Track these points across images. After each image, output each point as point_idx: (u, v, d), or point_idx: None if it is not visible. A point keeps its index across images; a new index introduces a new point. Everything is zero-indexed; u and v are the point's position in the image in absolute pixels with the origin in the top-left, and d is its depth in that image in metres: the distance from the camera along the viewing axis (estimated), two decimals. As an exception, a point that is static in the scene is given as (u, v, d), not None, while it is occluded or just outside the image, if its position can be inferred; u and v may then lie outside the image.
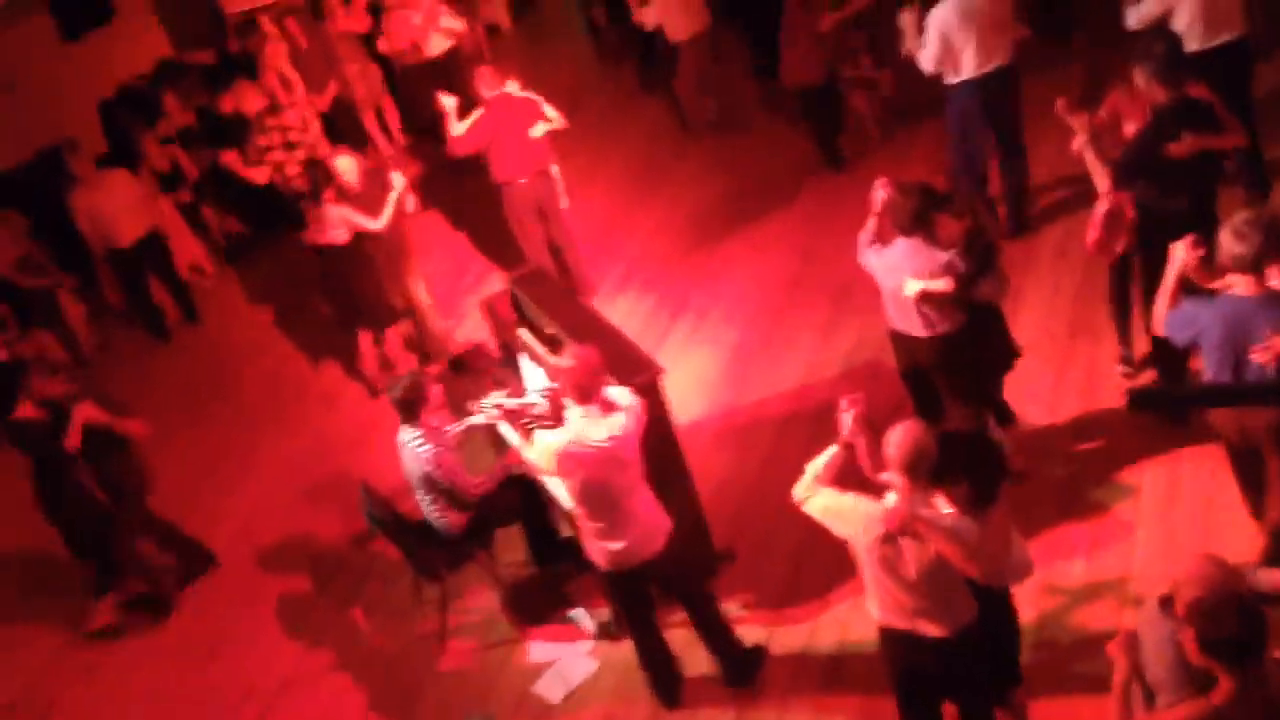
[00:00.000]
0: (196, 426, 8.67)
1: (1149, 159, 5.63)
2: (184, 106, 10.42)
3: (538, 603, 6.29)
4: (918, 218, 5.39)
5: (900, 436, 4.09)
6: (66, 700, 6.77)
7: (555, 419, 5.01)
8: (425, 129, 10.61)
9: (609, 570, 5.15)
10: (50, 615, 7.29)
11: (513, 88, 8.02)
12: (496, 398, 5.98)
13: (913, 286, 5.45)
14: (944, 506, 4.12)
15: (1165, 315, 4.85)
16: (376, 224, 7.68)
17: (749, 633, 5.65)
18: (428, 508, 6.00)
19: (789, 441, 6.77)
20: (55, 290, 9.45)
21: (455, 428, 6.16)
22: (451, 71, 10.23)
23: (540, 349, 6.23)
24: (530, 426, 5.64)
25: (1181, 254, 4.78)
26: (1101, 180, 5.81)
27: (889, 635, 4.43)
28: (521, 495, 6.13)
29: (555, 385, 5.73)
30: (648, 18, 9.91)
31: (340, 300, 8.16)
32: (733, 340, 7.78)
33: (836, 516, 4.29)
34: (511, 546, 6.47)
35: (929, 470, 4.07)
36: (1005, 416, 6.23)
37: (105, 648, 6.98)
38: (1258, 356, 4.50)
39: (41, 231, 9.62)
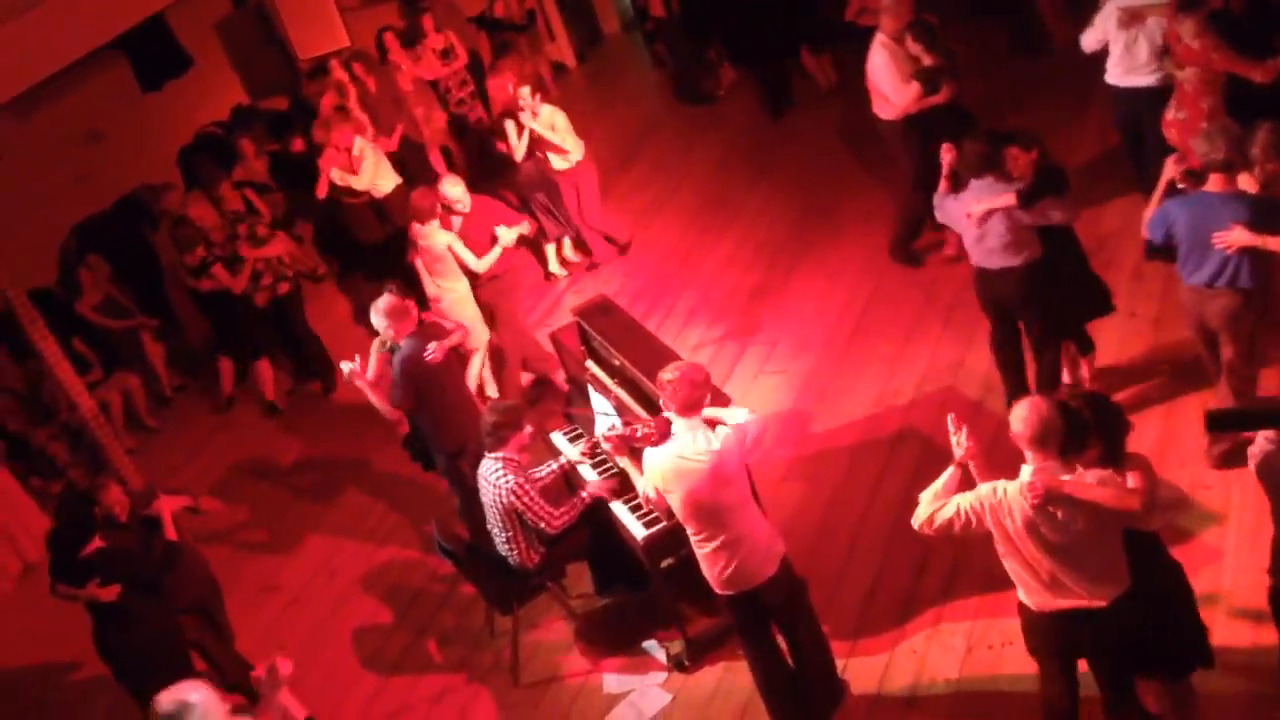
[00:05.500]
0: (276, 458, 8.79)
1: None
2: (258, 152, 10.67)
3: (611, 634, 6.29)
4: (987, 158, 5.83)
5: (1025, 412, 4.09)
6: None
7: (661, 439, 4.97)
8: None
9: (721, 593, 5.07)
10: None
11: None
12: (604, 428, 5.79)
13: (978, 208, 5.85)
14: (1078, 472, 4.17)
15: (1148, 218, 5.53)
16: (478, 265, 7.63)
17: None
18: (501, 542, 5.99)
19: (860, 473, 6.72)
20: (138, 331, 9.71)
21: (542, 470, 6.15)
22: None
23: (608, 380, 6.25)
24: (639, 449, 5.29)
25: (1170, 168, 5.49)
26: None
27: (1045, 620, 4.34)
28: (592, 531, 6.06)
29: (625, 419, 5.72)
30: None
31: None
32: (802, 370, 7.73)
33: (971, 513, 4.20)
34: (582, 579, 6.49)
35: (1059, 440, 4.09)
36: (1086, 346, 6.45)
37: None
38: (1218, 242, 5.15)
39: (123, 275, 9.91)
